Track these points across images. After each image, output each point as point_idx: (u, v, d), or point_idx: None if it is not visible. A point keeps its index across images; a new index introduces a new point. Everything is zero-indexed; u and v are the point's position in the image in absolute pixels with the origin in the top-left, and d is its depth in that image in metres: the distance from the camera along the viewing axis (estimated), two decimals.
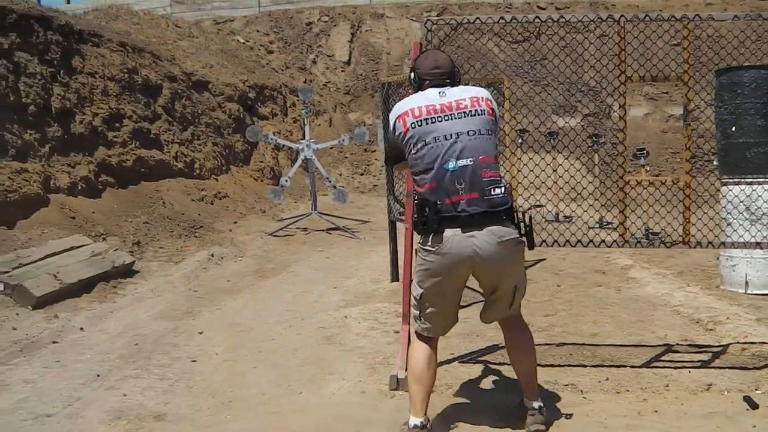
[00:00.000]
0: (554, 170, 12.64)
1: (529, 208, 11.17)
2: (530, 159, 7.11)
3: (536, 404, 4.74)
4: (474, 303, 6.46)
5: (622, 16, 6.02)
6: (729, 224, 7.80)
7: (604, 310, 8.13)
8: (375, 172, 21.97)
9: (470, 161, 4.47)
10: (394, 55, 25.61)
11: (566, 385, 5.67)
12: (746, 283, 8.63)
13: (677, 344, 6.71)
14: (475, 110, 4.57)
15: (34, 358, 6.87)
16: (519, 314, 4.90)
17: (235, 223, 15.12)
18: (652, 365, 6.09)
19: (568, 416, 5.01)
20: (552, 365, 6.14)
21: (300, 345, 7.18)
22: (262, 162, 19.65)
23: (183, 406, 5.58)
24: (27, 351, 7.06)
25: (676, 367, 5.99)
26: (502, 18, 6.25)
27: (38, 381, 6.20)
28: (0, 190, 10.25)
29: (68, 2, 29.67)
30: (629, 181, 6.27)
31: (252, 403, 5.63)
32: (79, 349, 7.15)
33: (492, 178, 4.51)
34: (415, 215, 4.67)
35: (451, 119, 4.54)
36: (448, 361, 6.34)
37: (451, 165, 4.46)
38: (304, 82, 23.86)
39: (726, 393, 5.43)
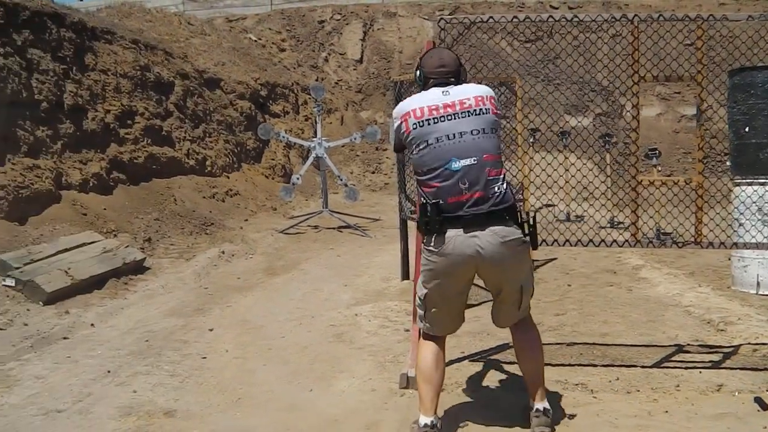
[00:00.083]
0: (566, 170, 12.62)
1: (541, 208, 11.19)
2: (543, 158, 7.09)
3: (541, 406, 4.69)
4: (484, 302, 6.46)
5: (635, 15, 6.01)
6: (741, 225, 7.78)
7: (615, 310, 8.10)
8: (386, 170, 21.96)
9: (474, 160, 4.46)
10: (406, 53, 25.59)
11: (576, 384, 5.65)
12: (758, 283, 8.60)
13: (688, 344, 6.69)
14: (480, 109, 4.55)
15: (44, 353, 6.89)
16: (527, 314, 4.88)
17: (246, 220, 15.14)
18: (662, 365, 6.07)
19: (571, 416, 5.00)
20: (562, 364, 6.13)
21: (310, 343, 7.18)
22: (273, 160, 19.66)
23: (193, 403, 5.59)
24: (38, 347, 7.08)
25: (686, 368, 5.97)
26: (515, 17, 6.24)
27: (49, 376, 6.22)
28: (12, 186, 10.27)
29: None
30: (641, 181, 6.25)
31: (262, 400, 5.64)
32: (90, 345, 7.17)
33: (496, 177, 4.51)
34: (419, 215, 4.67)
35: (455, 119, 4.52)
36: (459, 360, 6.34)
37: (454, 165, 4.45)
38: (316, 80, 23.86)
39: (737, 394, 5.41)
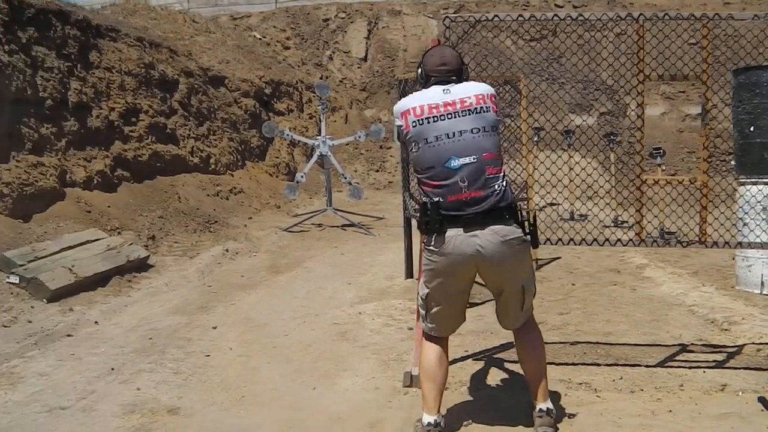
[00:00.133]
0: (571, 168, 12.60)
1: (545, 206, 11.18)
2: (547, 157, 7.09)
3: (545, 406, 4.68)
4: (487, 301, 6.45)
5: (641, 14, 6.00)
6: (746, 224, 7.77)
7: (619, 309, 8.10)
8: (390, 168, 21.96)
9: (473, 159, 4.45)
10: (410, 52, 25.59)
11: (580, 383, 5.65)
12: (762, 283, 8.58)
13: (692, 344, 6.68)
14: (481, 108, 4.54)
15: (48, 351, 6.90)
16: (530, 314, 4.87)
17: (250, 218, 15.14)
18: (666, 365, 6.07)
19: (571, 416, 4.99)
20: (566, 364, 6.12)
21: (314, 341, 7.18)
22: (277, 158, 19.66)
23: (196, 401, 5.60)
24: (42, 344, 7.09)
25: (690, 367, 5.97)
26: (520, 16, 6.23)
27: (53, 374, 6.23)
28: (16, 183, 10.28)
29: None
30: (646, 180, 6.25)
31: (265, 398, 5.64)
32: (94, 343, 7.17)
33: (495, 176, 4.50)
34: (419, 215, 4.66)
35: (455, 117, 4.51)
36: (462, 359, 6.34)
37: (453, 163, 4.45)
38: (321, 78, 23.85)
39: (741, 394, 5.40)
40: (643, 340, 6.83)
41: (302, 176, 15.68)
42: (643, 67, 6.02)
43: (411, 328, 7.02)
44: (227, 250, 11.90)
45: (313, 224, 15.16)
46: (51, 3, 12.88)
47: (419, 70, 4.86)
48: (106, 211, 11.80)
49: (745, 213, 7.78)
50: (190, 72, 17.48)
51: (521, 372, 4.91)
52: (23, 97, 11.25)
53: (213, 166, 16.54)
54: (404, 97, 4.98)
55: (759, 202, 7.35)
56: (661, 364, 6.07)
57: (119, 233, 11.16)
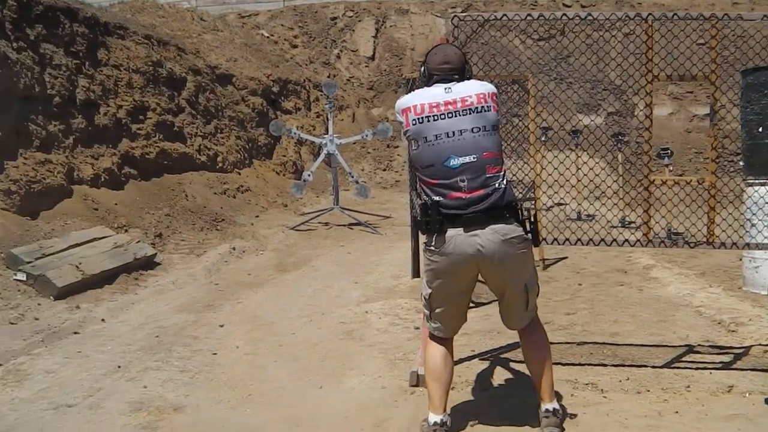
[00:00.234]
0: (578, 168, 12.60)
1: (552, 206, 11.17)
2: (555, 157, 7.09)
3: (551, 406, 4.66)
4: (494, 300, 6.46)
5: (650, 14, 5.99)
6: (753, 225, 7.76)
7: (626, 310, 8.09)
8: (397, 167, 21.94)
9: (474, 158, 4.45)
10: (418, 50, 25.53)
11: (587, 384, 5.65)
12: None
13: (699, 345, 6.67)
14: (482, 107, 4.53)
15: (55, 348, 6.91)
16: (535, 314, 4.86)
17: (257, 216, 15.14)
18: (673, 366, 6.06)
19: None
20: (572, 364, 6.12)
21: (320, 339, 7.19)
22: (284, 156, 19.66)
23: (203, 399, 5.60)
24: (48, 341, 7.10)
25: (697, 368, 5.96)
26: (529, 15, 6.23)
27: (59, 371, 6.24)
28: (24, 180, 10.30)
29: None
30: (654, 180, 6.24)
31: (272, 396, 5.65)
32: (101, 340, 7.18)
33: (495, 175, 4.49)
34: (419, 215, 4.66)
35: (455, 116, 4.50)
36: (469, 358, 6.34)
37: (453, 162, 4.44)
38: (328, 77, 23.84)
39: (747, 395, 5.39)
40: (649, 341, 6.82)
41: (309, 175, 15.69)
42: (651, 67, 6.01)
43: (417, 328, 7.02)
44: (234, 249, 11.91)
45: (319, 223, 15.16)
46: (59, 0, 12.90)
47: (422, 69, 4.86)
48: (113, 208, 11.82)
49: (753, 214, 7.75)
50: (198, 70, 17.48)
51: (527, 372, 4.90)
52: (31, 95, 11.26)
53: (220, 165, 16.54)
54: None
55: (767, 203, 7.32)
56: (667, 365, 6.07)
57: (126, 231, 11.18)
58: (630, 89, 18.07)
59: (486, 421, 4.94)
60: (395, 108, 4.80)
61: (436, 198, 4.49)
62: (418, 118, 4.54)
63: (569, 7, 25.25)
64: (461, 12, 24.06)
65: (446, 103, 4.53)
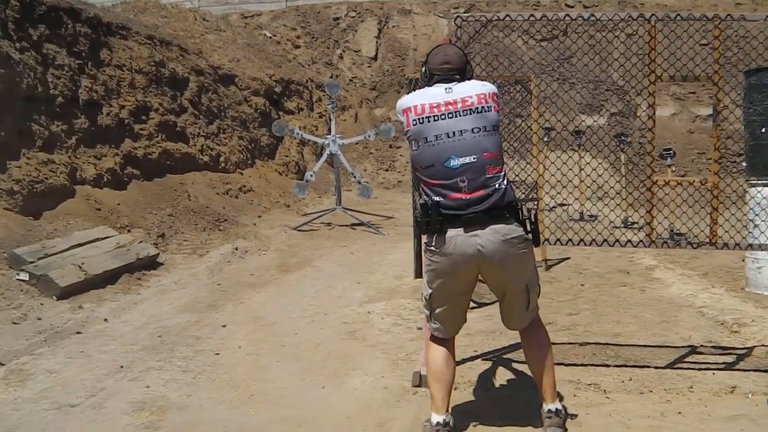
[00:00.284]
0: (581, 169, 12.59)
1: (555, 207, 11.16)
2: (558, 157, 7.08)
3: (553, 407, 4.66)
4: (497, 301, 6.46)
5: (653, 15, 5.99)
6: (756, 226, 7.75)
7: (628, 310, 8.09)
8: (400, 168, 21.95)
9: (474, 158, 4.44)
10: (420, 51, 25.52)
11: (589, 384, 5.65)
12: None
13: (701, 346, 6.67)
14: (482, 107, 4.52)
15: (58, 348, 6.91)
16: (536, 314, 4.86)
17: (260, 217, 15.15)
18: (675, 366, 6.05)
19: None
20: (575, 364, 6.12)
21: (323, 340, 7.19)
22: (287, 156, 19.66)
23: (205, 399, 5.61)
24: (51, 341, 7.10)
25: (700, 369, 5.95)
26: (531, 15, 6.22)
27: (62, 371, 6.24)
28: (27, 180, 10.31)
29: None
30: (656, 181, 6.23)
31: (274, 396, 5.65)
32: (103, 340, 7.19)
33: (496, 175, 4.49)
34: (420, 216, 4.65)
35: (456, 116, 4.49)
36: (471, 359, 6.34)
37: (453, 162, 4.44)
38: (331, 77, 23.85)
39: (750, 396, 5.39)
40: (652, 342, 6.82)
41: (312, 175, 15.70)
42: (654, 68, 6.00)
43: (420, 328, 7.02)
44: (237, 249, 11.91)
45: (322, 223, 15.17)
46: (62, 1, 12.91)
47: (423, 69, 4.85)
48: (115, 208, 11.83)
49: (756, 215, 7.75)
50: (201, 70, 17.50)
51: (530, 372, 4.90)
52: (34, 95, 11.27)
53: (223, 165, 16.55)
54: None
55: None
56: (670, 366, 6.06)
57: (129, 231, 11.19)
58: (633, 90, 18.10)
59: (488, 422, 4.94)
60: (396, 108, 4.80)
61: (437, 198, 4.49)
62: (419, 119, 4.54)
63: (572, 7, 25.26)
64: (464, 12, 24.07)
65: (447, 104, 4.52)
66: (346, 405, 5.43)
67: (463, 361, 6.15)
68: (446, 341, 4.81)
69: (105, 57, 13.70)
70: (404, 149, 21.08)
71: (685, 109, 22.90)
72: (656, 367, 6.02)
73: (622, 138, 15.72)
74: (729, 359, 6.24)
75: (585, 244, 6.20)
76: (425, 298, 4.80)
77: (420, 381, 5.65)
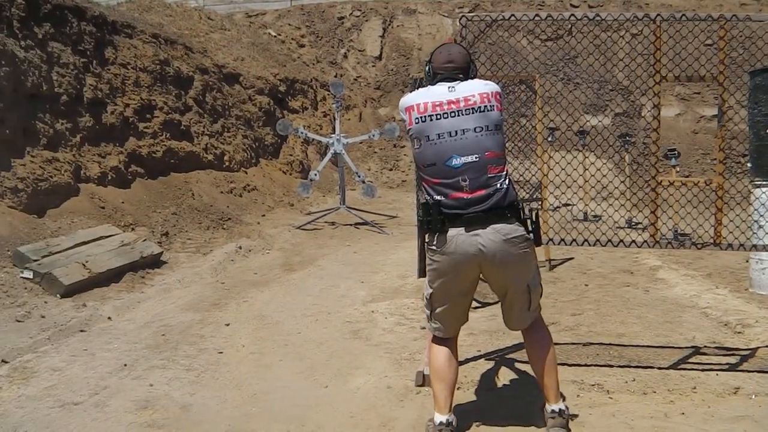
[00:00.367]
0: (586, 169, 12.59)
1: (559, 207, 11.16)
2: (562, 157, 7.07)
3: (556, 407, 4.65)
4: (500, 301, 6.46)
5: (658, 15, 5.98)
6: (761, 227, 7.73)
7: (632, 311, 8.08)
8: (404, 167, 21.94)
9: (476, 158, 4.44)
10: (425, 50, 25.51)
11: (593, 384, 5.64)
12: None
13: (705, 346, 6.66)
14: (485, 107, 4.51)
15: (62, 346, 6.92)
16: (538, 314, 4.85)
17: (263, 215, 15.14)
18: (679, 367, 6.05)
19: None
20: (578, 365, 6.12)
21: (326, 339, 7.19)
22: (291, 155, 19.65)
23: (209, 398, 5.61)
24: (55, 339, 7.11)
25: (703, 370, 5.95)
26: (537, 15, 6.22)
27: (66, 369, 6.25)
28: (31, 178, 10.32)
29: None
30: (661, 181, 6.23)
31: (277, 395, 5.65)
32: (107, 338, 7.19)
33: (497, 175, 4.49)
34: (421, 215, 4.65)
35: (458, 115, 4.49)
36: (475, 358, 6.34)
37: (455, 161, 4.44)
38: (335, 76, 23.85)
39: (754, 397, 5.39)
40: (656, 342, 6.82)
41: (316, 174, 15.68)
42: (659, 68, 6.00)
43: (423, 328, 7.01)
44: (240, 248, 11.91)
45: (326, 222, 15.16)
46: None
47: (427, 67, 4.85)
48: (120, 207, 11.84)
49: (761, 215, 7.73)
50: (205, 69, 17.49)
51: (533, 372, 4.89)
52: (39, 93, 11.28)
53: (227, 164, 16.54)
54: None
55: None
56: (674, 367, 6.06)
57: (133, 229, 11.19)
58: (637, 90, 18.08)
59: (491, 422, 4.95)
60: (399, 106, 4.81)
61: (438, 197, 4.49)
62: (421, 117, 4.54)
63: (577, 7, 25.23)
64: (468, 12, 24.06)
65: (449, 102, 4.52)
66: (349, 404, 5.43)
67: (467, 360, 6.16)
68: (448, 341, 4.81)
69: (110, 55, 13.71)
70: (408, 149, 21.03)
71: (690, 109, 22.88)
72: (660, 368, 6.02)
73: (627, 138, 15.69)
74: (732, 360, 6.24)
75: (589, 245, 6.20)
76: (426, 298, 4.80)
77: (423, 380, 5.65)
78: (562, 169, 6.95)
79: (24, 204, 10.06)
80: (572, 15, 6.17)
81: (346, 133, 17.77)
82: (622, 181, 12.90)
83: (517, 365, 6.09)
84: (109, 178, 12.30)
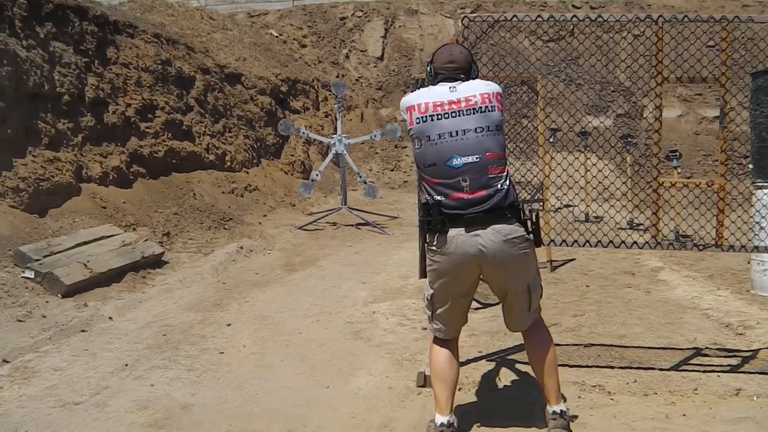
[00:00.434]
0: (587, 170, 12.58)
1: (560, 208, 11.15)
2: (564, 158, 7.07)
3: (557, 408, 4.64)
4: (500, 302, 6.46)
5: (660, 16, 5.98)
6: (762, 228, 7.73)
7: (633, 312, 8.08)
8: (405, 168, 21.95)
9: (476, 158, 4.44)
10: (427, 51, 25.51)
11: (594, 386, 5.64)
12: None
13: (706, 348, 6.66)
14: (486, 107, 4.51)
15: (63, 346, 6.92)
16: (538, 315, 4.85)
17: (265, 216, 15.14)
18: (680, 368, 6.05)
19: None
20: (580, 366, 6.12)
21: (328, 339, 7.19)
22: (292, 156, 19.65)
23: (210, 398, 5.61)
24: (56, 339, 7.11)
25: (704, 371, 5.95)
26: (539, 16, 6.22)
27: (67, 369, 6.25)
28: (33, 178, 10.32)
29: None
30: (663, 182, 6.23)
31: (279, 396, 5.65)
32: (108, 338, 7.20)
33: (498, 175, 4.48)
34: (421, 215, 4.65)
35: (459, 116, 4.49)
36: (476, 359, 6.34)
37: (455, 162, 4.44)
38: (337, 76, 23.85)
39: (755, 398, 5.39)
40: (657, 344, 6.82)
41: (317, 174, 15.68)
42: (661, 69, 6.00)
43: (425, 328, 7.00)
44: (242, 248, 11.91)
45: (327, 223, 15.16)
46: None
47: (428, 68, 4.85)
48: (121, 207, 11.84)
49: (762, 217, 7.73)
50: (207, 69, 17.49)
51: (534, 373, 4.89)
52: (41, 93, 11.28)
53: (228, 164, 16.54)
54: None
55: None
56: (675, 368, 6.06)
57: (134, 229, 11.19)
58: (639, 91, 18.05)
59: (492, 423, 4.95)
60: (400, 106, 4.80)
61: (438, 197, 4.49)
62: (422, 117, 4.54)
63: (578, 8, 25.24)
64: (470, 13, 24.04)
65: (450, 103, 4.52)
66: (350, 405, 5.43)
67: (468, 361, 6.16)
68: (449, 342, 4.80)
69: (111, 55, 13.71)
70: (410, 149, 20.94)
71: (692, 110, 22.89)
72: (661, 369, 6.02)
73: (628, 139, 15.68)
74: (734, 361, 6.24)
75: (590, 246, 6.20)
76: (427, 299, 4.80)
77: (424, 381, 5.64)
78: (564, 170, 6.94)
79: (25, 204, 10.06)
80: (574, 16, 6.17)
81: (348, 133, 17.78)
82: (623, 182, 12.87)
83: (518, 366, 6.09)
84: (111, 177, 12.30)
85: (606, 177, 6.88)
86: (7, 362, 6.36)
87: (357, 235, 14.27)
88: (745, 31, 6.11)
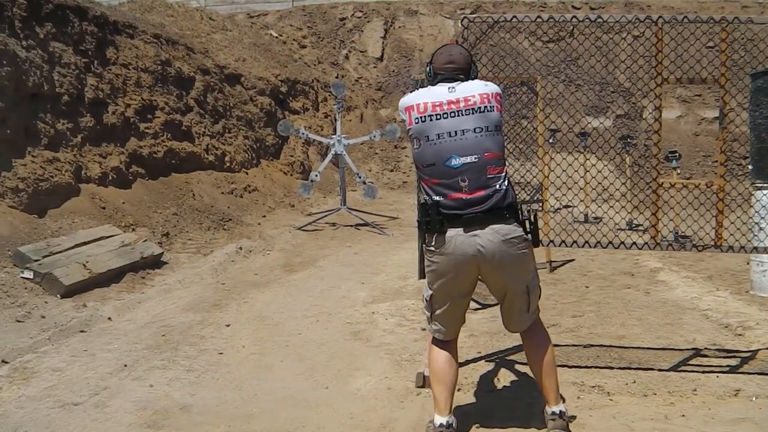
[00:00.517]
0: (587, 171, 12.58)
1: (559, 208, 11.16)
2: (563, 159, 7.07)
3: (556, 409, 4.64)
4: (499, 302, 6.46)
5: (660, 17, 5.98)
6: (761, 229, 7.73)
7: (633, 313, 8.08)
8: (405, 168, 21.92)
9: (475, 158, 4.44)
10: (426, 52, 25.49)
11: (593, 386, 5.65)
12: None
13: (705, 348, 6.66)
14: (485, 107, 4.52)
15: (62, 346, 6.92)
16: (536, 316, 4.85)
17: (264, 216, 15.13)
18: (679, 369, 6.05)
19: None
20: (579, 366, 6.12)
21: (327, 340, 7.19)
22: (292, 156, 19.64)
23: (209, 399, 5.61)
24: (55, 339, 7.11)
25: (704, 372, 5.95)
26: (538, 17, 6.22)
27: (66, 369, 6.25)
28: (32, 178, 10.32)
29: None
30: (662, 183, 6.23)
31: (278, 396, 5.65)
32: (107, 339, 7.19)
33: (497, 176, 4.49)
34: (419, 215, 4.66)
35: (458, 116, 4.50)
36: (475, 360, 6.34)
37: (454, 162, 4.44)
38: (336, 77, 23.83)
39: (754, 399, 5.39)
40: (656, 344, 6.82)
41: (317, 175, 15.67)
42: (661, 70, 6.00)
43: (424, 329, 7.00)
44: (241, 248, 11.91)
45: (327, 223, 15.15)
46: None
47: (428, 68, 4.86)
48: (120, 207, 11.84)
49: (761, 218, 7.73)
50: (207, 69, 17.48)
51: (533, 374, 4.89)
52: (40, 93, 11.28)
53: (228, 164, 16.53)
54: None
55: None
56: (674, 369, 6.06)
57: (134, 230, 11.19)
58: (639, 92, 18.07)
59: (491, 424, 4.95)
60: (399, 106, 4.81)
61: (437, 198, 4.50)
62: (421, 117, 4.54)
63: (578, 9, 25.23)
64: (470, 13, 24.05)
65: (449, 103, 4.53)
66: (349, 405, 5.43)
67: (467, 362, 6.16)
68: (448, 343, 4.80)
69: (111, 56, 13.71)
70: (409, 150, 20.99)
71: (691, 111, 22.88)
72: (660, 370, 6.02)
73: (628, 140, 15.67)
74: (733, 362, 6.24)
75: (590, 246, 6.20)
76: (426, 300, 4.80)
77: (423, 382, 5.65)
78: (563, 171, 6.94)
79: (25, 204, 10.06)
80: (574, 17, 6.18)
81: (347, 134, 17.76)
82: (623, 183, 12.90)
83: (518, 367, 6.09)
84: (110, 178, 12.29)
85: (605, 178, 6.87)
86: (6, 363, 6.36)
87: (356, 236, 14.27)
88: (745, 32, 6.11)
